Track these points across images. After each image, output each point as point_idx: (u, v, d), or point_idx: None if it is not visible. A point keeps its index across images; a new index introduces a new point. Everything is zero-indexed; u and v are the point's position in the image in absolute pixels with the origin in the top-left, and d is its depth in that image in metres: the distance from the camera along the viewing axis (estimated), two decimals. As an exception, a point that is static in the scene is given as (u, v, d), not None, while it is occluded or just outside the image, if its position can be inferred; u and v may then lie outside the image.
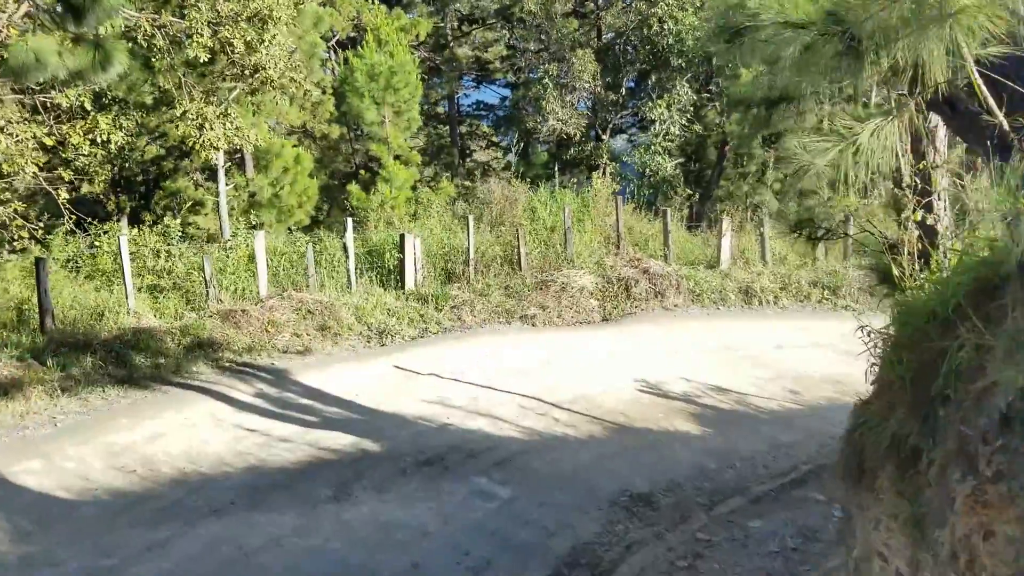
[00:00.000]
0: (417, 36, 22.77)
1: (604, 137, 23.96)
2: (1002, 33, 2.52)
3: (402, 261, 13.41)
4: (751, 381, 9.71)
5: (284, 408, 8.87)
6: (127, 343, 10.19)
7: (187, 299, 12.04)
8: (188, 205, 17.25)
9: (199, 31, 12.49)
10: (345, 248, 13.27)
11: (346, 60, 20.26)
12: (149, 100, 15.93)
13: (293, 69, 14.07)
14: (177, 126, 14.17)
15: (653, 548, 5.76)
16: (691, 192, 21.99)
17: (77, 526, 6.04)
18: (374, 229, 15.91)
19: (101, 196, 17.64)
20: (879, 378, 4.04)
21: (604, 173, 19.76)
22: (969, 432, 2.82)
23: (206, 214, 17.35)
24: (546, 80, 22.74)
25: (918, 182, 4.36)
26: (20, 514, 6.24)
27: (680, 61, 21.75)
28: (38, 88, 13.41)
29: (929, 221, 4.46)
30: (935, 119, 4.40)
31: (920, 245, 4.33)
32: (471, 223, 14.05)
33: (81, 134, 13.64)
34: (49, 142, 13.35)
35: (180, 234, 13.65)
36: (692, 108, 22.06)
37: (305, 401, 9.10)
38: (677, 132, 21.82)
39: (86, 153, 14.27)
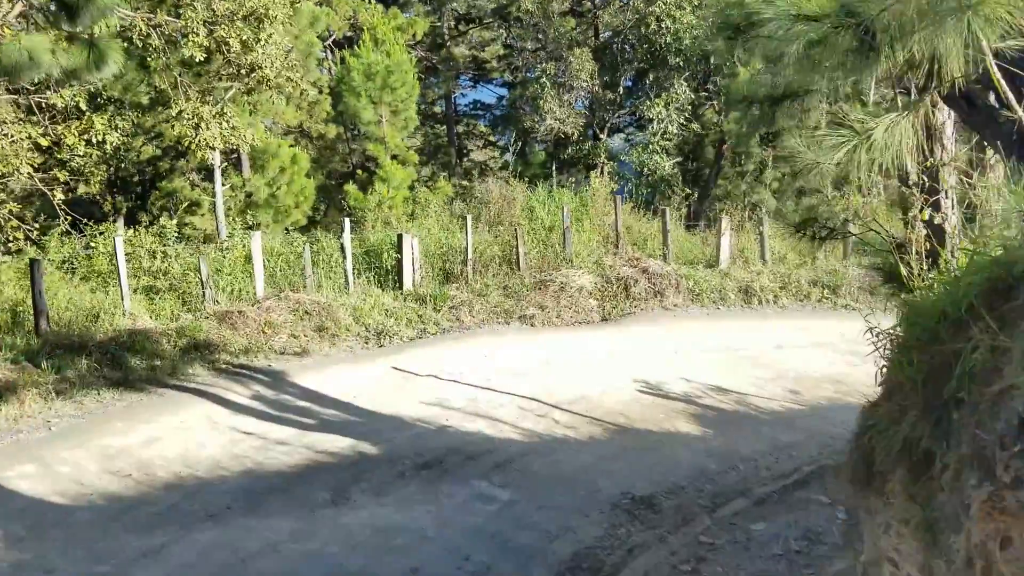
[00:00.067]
0: (414, 35, 22.69)
1: (602, 136, 23.89)
2: (1023, 26, 2.45)
3: (400, 261, 13.33)
4: (751, 381, 9.64)
5: (281, 410, 8.79)
6: (122, 345, 10.10)
7: (183, 300, 11.95)
8: (184, 205, 17.14)
9: (195, 30, 12.41)
10: (342, 248, 13.19)
11: (342, 59, 20.19)
12: (145, 100, 15.84)
13: (289, 68, 14.00)
14: (173, 126, 14.10)
15: (656, 551, 5.68)
16: (689, 192, 21.93)
17: (71, 532, 5.95)
18: (371, 229, 15.83)
19: (97, 197, 17.55)
20: (887, 379, 3.96)
21: (602, 172, 19.69)
22: (985, 436, 2.75)
23: (202, 214, 17.25)
24: (544, 79, 22.66)
25: (926, 180, 4.29)
26: (13, 520, 6.15)
27: (678, 60, 21.70)
28: (33, 88, 13.32)
29: (937, 220, 4.40)
30: (942, 116, 4.33)
31: (928, 244, 4.26)
32: (469, 223, 13.97)
33: (76, 134, 13.56)
34: (44, 142, 13.27)
35: (176, 235, 13.56)
36: (690, 107, 22.01)
37: (302, 403, 9.01)
38: (675, 131, 21.76)
39: (81, 154, 14.16)
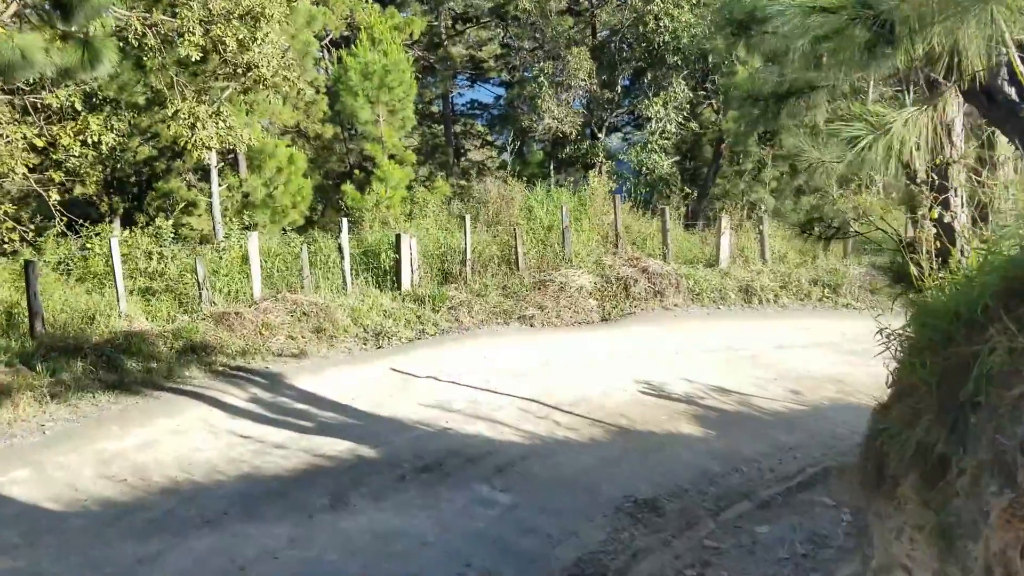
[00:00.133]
0: (411, 35, 22.59)
1: (600, 135, 23.81)
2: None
3: (398, 262, 13.24)
4: (753, 381, 9.57)
5: (279, 413, 8.69)
6: (118, 347, 10.00)
7: (180, 302, 11.85)
8: (181, 206, 17.04)
9: (191, 29, 12.33)
10: (340, 249, 13.09)
11: (340, 59, 20.09)
12: (141, 100, 15.75)
13: (286, 68, 13.91)
14: (169, 126, 14.01)
15: (660, 556, 5.60)
16: (689, 191, 21.86)
17: (65, 538, 5.85)
18: (369, 229, 15.75)
19: (94, 198, 17.44)
20: (898, 381, 3.89)
21: (600, 172, 19.62)
22: (1005, 441, 2.67)
23: (199, 215, 17.15)
24: (541, 78, 22.58)
25: (935, 178, 4.21)
26: (7, 526, 6.05)
27: (676, 58, 21.63)
28: (28, 88, 13.23)
29: (946, 219, 4.32)
30: (951, 112, 4.25)
31: (938, 243, 4.18)
32: (468, 223, 13.89)
33: (71, 135, 13.47)
34: (39, 143, 13.18)
35: (173, 235, 13.48)
36: (688, 106, 21.94)
37: (300, 406, 8.92)
38: (673, 130, 21.69)
39: (77, 154, 14.06)
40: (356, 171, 21.21)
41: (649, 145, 21.62)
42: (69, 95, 13.57)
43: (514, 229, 14.19)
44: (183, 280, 12.20)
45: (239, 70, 13.36)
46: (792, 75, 4.77)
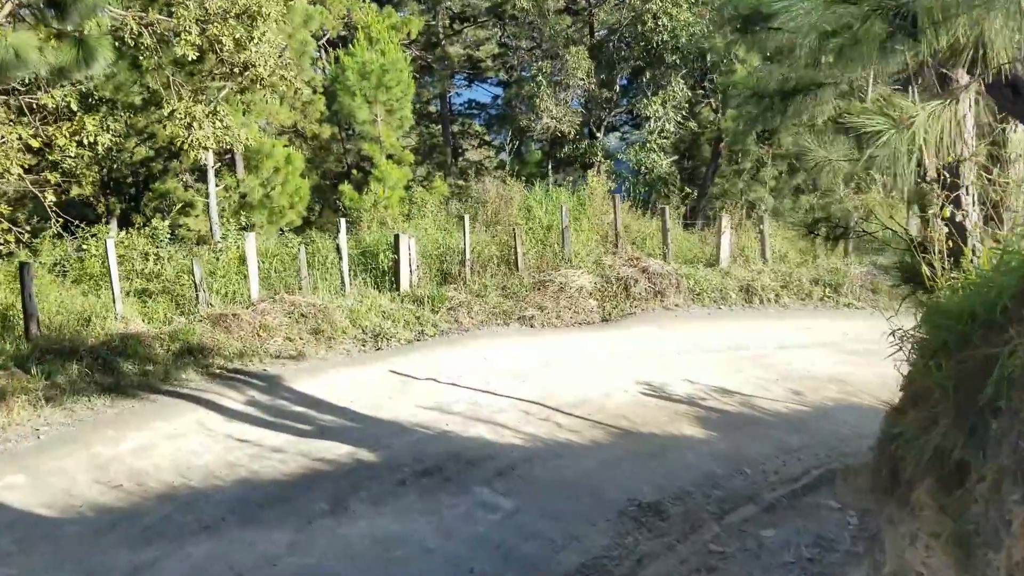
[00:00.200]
0: (408, 34, 22.48)
1: (598, 135, 23.73)
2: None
3: (397, 262, 13.14)
4: (755, 382, 9.50)
5: (277, 416, 8.59)
6: (114, 349, 9.89)
7: (176, 303, 11.74)
8: (178, 207, 16.95)
9: (187, 29, 12.23)
10: (338, 249, 13.00)
11: (337, 59, 20.00)
12: (137, 100, 15.66)
13: (283, 67, 13.82)
14: (165, 126, 13.91)
15: (665, 561, 5.51)
16: (689, 191, 21.79)
17: (60, 546, 5.76)
18: (367, 230, 15.65)
19: (90, 199, 17.36)
20: (911, 383, 3.80)
21: (599, 171, 19.54)
22: (1029, 448, 2.58)
23: (196, 215, 17.06)
24: (540, 77, 22.50)
25: (946, 175, 4.13)
26: (1, 533, 5.95)
27: (674, 57, 21.56)
28: (23, 89, 13.14)
29: (958, 217, 4.24)
30: (963, 108, 4.16)
31: (950, 243, 4.10)
32: (467, 223, 13.79)
33: (67, 135, 13.39)
34: (35, 144, 13.09)
35: (170, 236, 13.37)
36: (687, 105, 21.87)
37: (298, 409, 8.82)
38: (672, 129, 21.62)
39: (73, 155, 13.98)
40: (354, 171, 21.11)
41: (648, 144, 21.55)
42: (65, 95, 13.48)
43: (513, 229, 14.10)
44: (180, 281, 12.09)
45: (236, 69, 13.26)
46: (798, 72, 4.69)
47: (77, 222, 13.66)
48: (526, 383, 9.43)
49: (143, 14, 12.79)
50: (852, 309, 13.52)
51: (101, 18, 10.42)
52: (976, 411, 2.95)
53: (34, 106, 13.34)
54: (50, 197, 13.10)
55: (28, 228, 13.73)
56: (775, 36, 4.68)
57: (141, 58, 13.83)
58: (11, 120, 13.14)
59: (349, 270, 13.03)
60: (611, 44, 23.96)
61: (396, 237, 13.26)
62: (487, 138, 30.69)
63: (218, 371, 10.05)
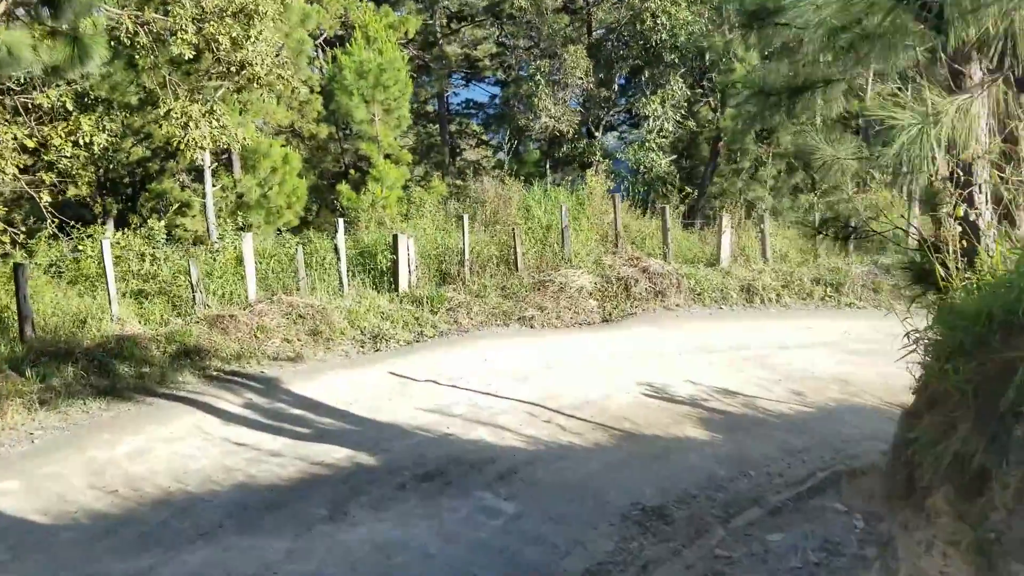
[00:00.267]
0: (406, 33, 22.40)
1: (597, 134, 23.64)
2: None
3: (395, 262, 13.04)
4: (757, 383, 9.41)
5: (275, 419, 8.48)
6: (110, 351, 9.79)
7: (173, 304, 11.63)
8: (175, 207, 16.85)
9: (183, 27, 12.15)
10: (336, 249, 12.89)
11: (334, 58, 19.92)
12: (133, 100, 15.55)
13: (280, 66, 13.75)
14: (161, 126, 13.81)
15: (671, 567, 5.41)
16: (689, 191, 21.71)
17: (54, 553, 5.64)
18: (365, 230, 15.55)
19: (87, 199, 17.25)
20: (926, 386, 3.71)
21: (597, 171, 19.46)
22: (1056, 456, 2.49)
23: (193, 216, 16.96)
24: (538, 77, 22.41)
25: (959, 173, 4.04)
26: (-6, 539, 5.85)
27: (673, 56, 21.47)
28: (18, 88, 13.04)
29: (971, 217, 4.15)
30: (976, 105, 4.07)
31: (963, 242, 4.01)
32: (466, 222, 13.70)
33: (63, 135, 13.29)
34: (30, 144, 12.98)
35: (166, 237, 13.26)
36: (686, 104, 21.78)
37: (296, 411, 8.71)
38: (670, 128, 21.54)
39: (69, 155, 13.87)
40: (351, 171, 21.03)
41: (646, 144, 21.47)
42: (60, 95, 13.38)
43: (512, 229, 14.00)
44: (176, 282, 11.97)
45: (232, 69, 13.18)
46: (807, 69, 4.60)
47: (73, 222, 13.54)
48: (527, 384, 9.34)
49: (139, 12, 12.71)
50: (853, 309, 13.45)
51: (96, 17, 10.34)
52: (997, 416, 2.87)
53: (29, 106, 13.24)
54: (46, 197, 12.99)
55: (24, 229, 13.62)
56: (782, 31, 4.59)
57: (137, 57, 13.72)
58: (6, 120, 13.03)
59: (347, 271, 12.93)
60: (609, 43, 23.88)
61: (395, 237, 13.16)
62: (485, 138, 30.62)
63: (215, 373, 9.94)
